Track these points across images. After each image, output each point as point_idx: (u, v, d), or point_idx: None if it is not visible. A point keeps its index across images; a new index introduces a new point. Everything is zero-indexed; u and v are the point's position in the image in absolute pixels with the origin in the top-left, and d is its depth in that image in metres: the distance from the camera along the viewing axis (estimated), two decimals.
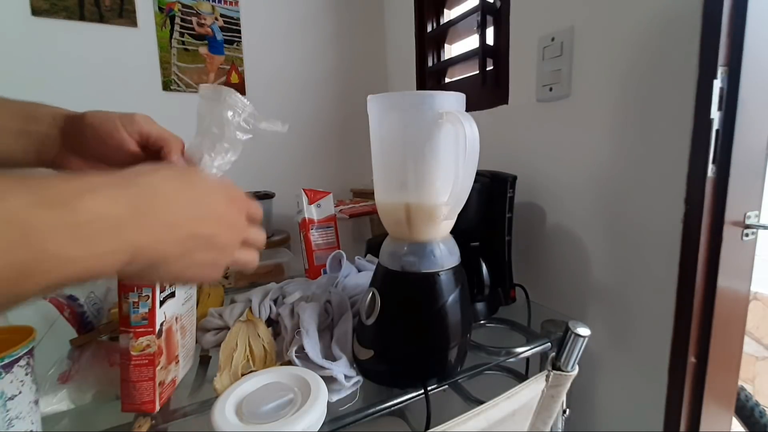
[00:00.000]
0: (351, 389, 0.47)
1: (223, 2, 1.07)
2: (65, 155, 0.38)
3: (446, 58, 1.12)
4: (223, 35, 1.08)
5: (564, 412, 0.59)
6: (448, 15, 1.12)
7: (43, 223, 0.20)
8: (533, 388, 0.51)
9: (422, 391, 0.46)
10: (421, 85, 1.17)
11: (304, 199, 0.79)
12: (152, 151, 0.39)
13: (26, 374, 0.37)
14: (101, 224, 0.22)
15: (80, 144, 0.38)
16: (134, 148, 0.38)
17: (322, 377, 0.44)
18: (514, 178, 0.68)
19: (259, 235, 0.36)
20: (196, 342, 0.54)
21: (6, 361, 0.35)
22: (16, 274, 0.19)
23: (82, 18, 0.93)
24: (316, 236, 0.79)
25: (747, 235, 0.56)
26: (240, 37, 1.11)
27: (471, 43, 1.01)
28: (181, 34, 1.04)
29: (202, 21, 1.06)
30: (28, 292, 0.20)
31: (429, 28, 1.14)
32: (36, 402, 0.39)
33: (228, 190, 0.32)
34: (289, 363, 0.48)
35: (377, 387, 0.49)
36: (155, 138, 0.38)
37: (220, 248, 0.31)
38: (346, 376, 0.47)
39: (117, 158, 0.38)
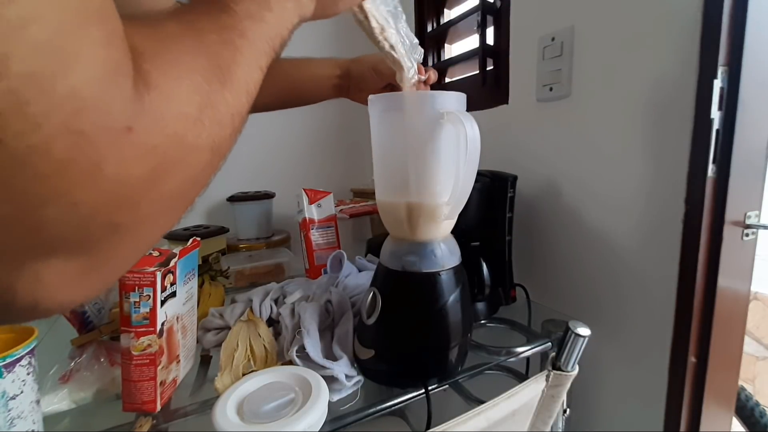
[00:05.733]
0: (352, 389, 0.48)
1: None
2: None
3: (446, 57, 1.12)
4: None
5: (564, 411, 0.59)
6: (448, 15, 1.12)
7: None
8: (533, 387, 0.51)
9: (423, 390, 0.46)
10: None
11: (305, 199, 0.79)
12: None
13: (28, 374, 0.37)
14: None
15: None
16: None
17: (323, 377, 0.44)
18: (515, 177, 0.68)
19: None
20: (197, 342, 0.54)
21: (7, 360, 0.35)
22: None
23: None
24: (316, 236, 0.79)
25: (747, 234, 0.56)
26: None
27: (471, 43, 1.01)
28: None
29: None
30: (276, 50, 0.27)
31: (429, 28, 1.14)
32: (37, 401, 0.39)
33: None
34: (290, 363, 0.48)
35: (378, 387, 0.49)
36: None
37: None
38: (347, 376, 0.47)
39: None
